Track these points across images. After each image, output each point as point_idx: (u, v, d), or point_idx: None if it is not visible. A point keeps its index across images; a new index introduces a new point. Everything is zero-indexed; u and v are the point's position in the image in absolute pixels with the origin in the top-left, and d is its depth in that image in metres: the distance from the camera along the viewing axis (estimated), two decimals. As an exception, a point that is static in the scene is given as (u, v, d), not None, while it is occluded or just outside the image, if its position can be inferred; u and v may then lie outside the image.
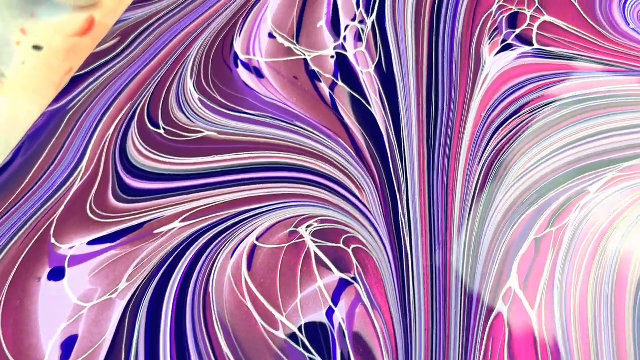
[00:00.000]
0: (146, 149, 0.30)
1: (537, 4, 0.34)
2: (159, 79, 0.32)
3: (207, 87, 0.32)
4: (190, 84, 0.32)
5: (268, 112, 0.31)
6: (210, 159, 0.30)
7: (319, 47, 0.33)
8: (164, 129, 0.31)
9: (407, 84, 0.32)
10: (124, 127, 0.31)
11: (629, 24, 0.34)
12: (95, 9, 0.46)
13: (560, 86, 0.32)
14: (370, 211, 0.28)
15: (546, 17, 0.34)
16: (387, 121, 0.31)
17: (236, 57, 0.33)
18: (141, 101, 0.32)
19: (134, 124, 0.31)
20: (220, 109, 0.31)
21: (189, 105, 0.31)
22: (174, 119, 0.31)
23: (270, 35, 0.34)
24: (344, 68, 0.33)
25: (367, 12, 0.34)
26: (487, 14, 0.34)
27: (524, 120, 0.31)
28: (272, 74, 0.32)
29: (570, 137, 0.30)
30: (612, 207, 0.28)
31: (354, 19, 0.34)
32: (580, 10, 0.34)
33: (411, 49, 0.33)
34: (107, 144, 0.30)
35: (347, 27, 0.34)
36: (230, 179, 0.29)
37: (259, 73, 0.32)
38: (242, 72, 0.32)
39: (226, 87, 0.32)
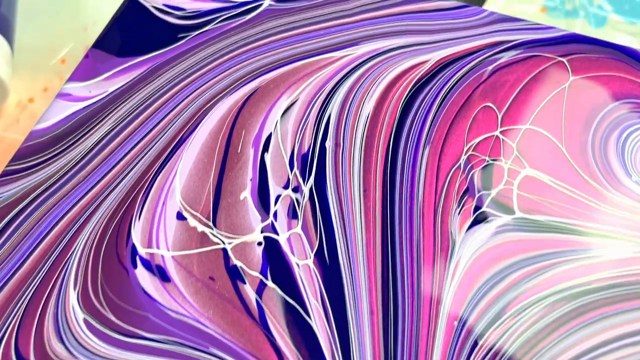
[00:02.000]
0: (11, 406, 0.22)
1: (515, 152, 0.27)
2: (32, 293, 0.24)
3: (95, 301, 0.24)
4: (73, 298, 0.24)
5: (174, 334, 0.24)
6: (97, 415, 0.22)
7: (242, 230, 0.26)
8: (36, 370, 0.23)
9: (357, 279, 0.25)
10: (-19, 371, 0.23)
11: (630, 176, 0.27)
12: (-6, 120, 0.39)
13: (551, 273, 0.25)
14: None
15: (528, 170, 0.27)
16: (332, 340, 0.24)
17: (134, 251, 0.25)
18: (6, 329, 0.24)
19: (-4, 365, 0.23)
20: (112, 333, 0.24)
21: (70, 332, 0.24)
22: (51, 354, 0.23)
23: (180, 216, 0.26)
24: (274, 259, 0.25)
25: (303, 174, 0.27)
26: (454, 168, 0.27)
27: (508, 329, 0.24)
28: (181, 275, 0.25)
29: (567, 353, 0.23)
30: None
31: (286, 186, 0.27)
32: (569, 158, 0.27)
33: (360, 225, 0.26)
34: (-43, 401, 0.23)
35: (278, 197, 0.27)
36: None
37: (163, 275, 0.25)
38: (141, 274, 0.25)
39: (120, 298, 0.24)
